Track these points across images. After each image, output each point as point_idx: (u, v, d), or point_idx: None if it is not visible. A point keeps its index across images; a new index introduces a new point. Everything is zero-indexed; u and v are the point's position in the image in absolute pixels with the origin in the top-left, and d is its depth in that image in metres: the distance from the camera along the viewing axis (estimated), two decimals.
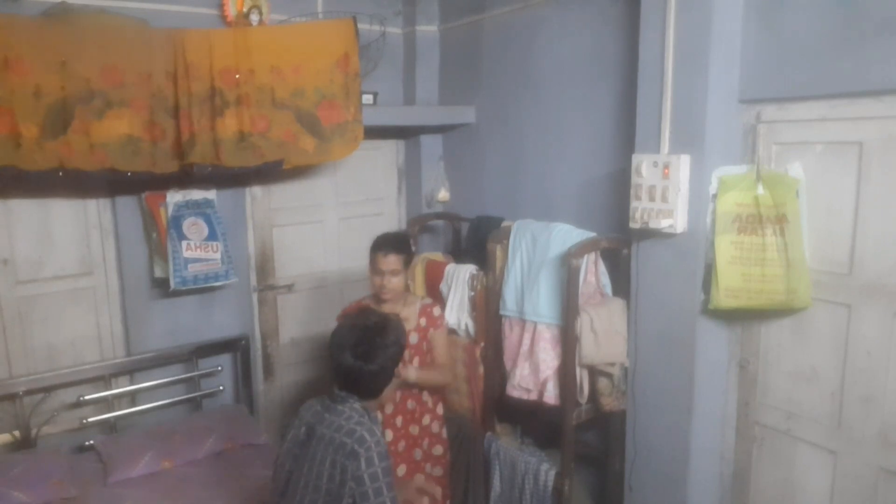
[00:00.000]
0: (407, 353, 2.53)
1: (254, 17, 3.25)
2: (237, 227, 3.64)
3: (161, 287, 3.34)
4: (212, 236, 3.27)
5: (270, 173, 3.43)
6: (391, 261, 2.62)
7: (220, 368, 3.58)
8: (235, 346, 3.61)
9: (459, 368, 3.21)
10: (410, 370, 2.62)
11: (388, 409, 2.74)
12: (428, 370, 2.74)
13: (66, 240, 3.21)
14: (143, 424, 3.33)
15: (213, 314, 3.58)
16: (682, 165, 2.39)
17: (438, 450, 2.91)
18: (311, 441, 1.81)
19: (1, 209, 3.03)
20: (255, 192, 3.74)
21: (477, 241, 3.40)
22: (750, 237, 2.27)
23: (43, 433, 3.12)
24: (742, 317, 2.49)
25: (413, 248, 2.74)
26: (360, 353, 1.85)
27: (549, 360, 2.85)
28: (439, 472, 2.92)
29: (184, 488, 2.87)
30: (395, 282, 2.63)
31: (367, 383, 1.88)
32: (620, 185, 2.78)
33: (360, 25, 3.26)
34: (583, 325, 2.66)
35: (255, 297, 3.82)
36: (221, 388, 3.60)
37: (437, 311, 2.84)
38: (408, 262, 2.70)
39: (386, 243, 2.66)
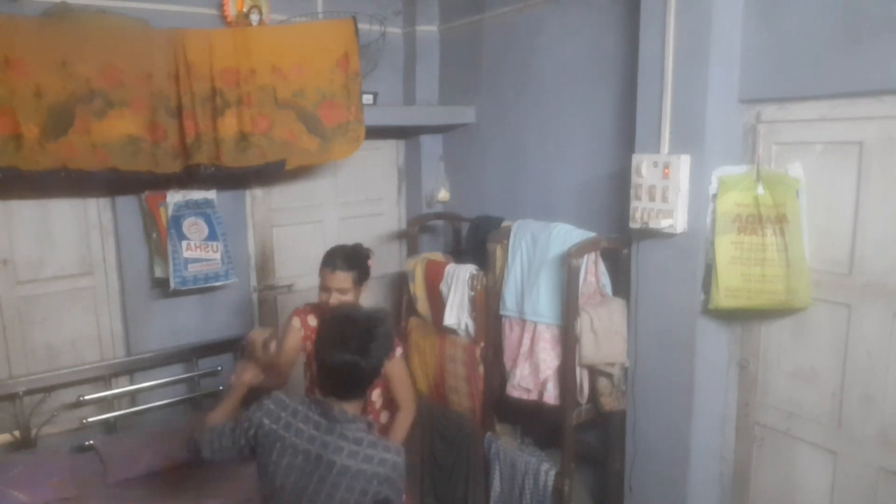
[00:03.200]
0: None
1: (254, 17, 3.25)
2: (237, 227, 3.64)
3: (161, 287, 3.34)
4: (212, 236, 3.27)
5: (271, 173, 3.44)
6: (339, 278, 2.36)
7: (220, 368, 3.58)
8: (235, 346, 3.61)
9: (458, 366, 3.22)
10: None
11: None
12: (397, 428, 2.53)
13: (66, 240, 3.21)
14: (143, 424, 3.33)
15: (213, 314, 3.58)
16: (682, 165, 2.39)
17: None
18: (331, 471, 1.72)
19: (1, 209, 3.03)
20: (256, 192, 3.74)
21: (477, 241, 3.40)
22: (750, 237, 2.27)
23: (43, 433, 3.12)
24: (742, 317, 2.49)
25: (370, 264, 2.49)
26: (355, 347, 1.75)
27: (549, 360, 2.85)
28: None
29: (184, 488, 2.87)
30: (342, 300, 2.37)
31: (361, 380, 1.80)
32: (620, 185, 2.78)
33: (360, 25, 3.26)
34: (583, 325, 2.66)
35: (255, 297, 3.82)
36: (221, 388, 3.59)
37: (397, 352, 2.53)
38: (360, 280, 2.42)
39: (335, 258, 2.39)
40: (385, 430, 2.59)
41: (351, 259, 2.42)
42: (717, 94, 2.34)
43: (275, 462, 1.79)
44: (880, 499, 2.19)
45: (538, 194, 3.39)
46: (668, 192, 2.43)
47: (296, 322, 2.60)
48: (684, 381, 2.52)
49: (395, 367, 2.52)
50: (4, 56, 2.53)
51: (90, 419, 3.20)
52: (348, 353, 1.75)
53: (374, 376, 1.84)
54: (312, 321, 2.62)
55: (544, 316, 2.85)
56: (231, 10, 3.27)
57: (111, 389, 3.27)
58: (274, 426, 1.80)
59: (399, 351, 2.58)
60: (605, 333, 2.67)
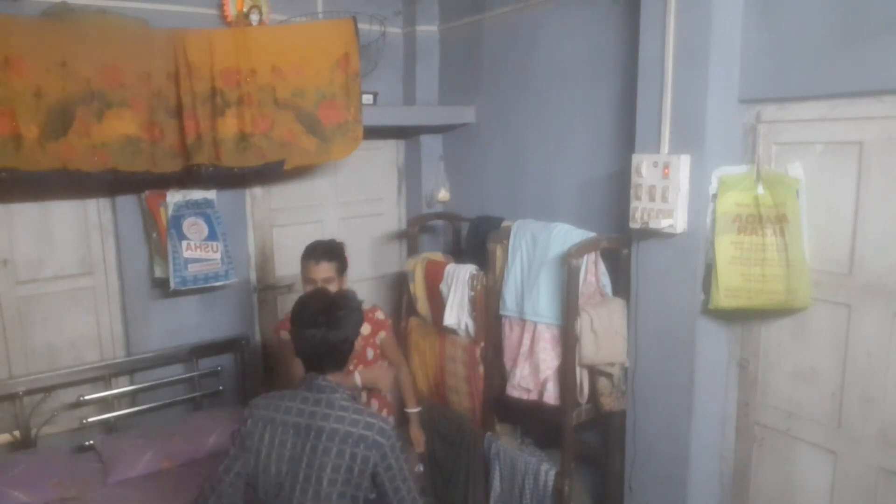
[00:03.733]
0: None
1: (254, 17, 3.25)
2: (237, 227, 3.64)
3: (161, 287, 3.34)
4: (212, 236, 3.26)
5: (271, 173, 3.43)
6: (323, 269, 2.52)
7: (220, 368, 3.58)
8: (235, 346, 3.61)
9: (458, 366, 3.23)
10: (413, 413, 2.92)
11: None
12: (404, 382, 2.94)
13: (66, 240, 3.21)
14: (143, 424, 3.32)
15: (213, 314, 3.58)
16: (682, 165, 2.39)
17: None
18: (320, 437, 1.81)
19: (1, 209, 3.03)
20: (255, 192, 3.74)
21: (477, 241, 3.40)
22: (750, 237, 2.27)
23: (43, 433, 3.12)
24: (742, 317, 2.49)
25: (347, 258, 2.67)
26: (325, 322, 1.87)
27: (549, 360, 2.85)
28: None
29: (184, 488, 2.87)
30: (330, 290, 2.51)
31: (335, 352, 1.91)
32: (620, 185, 2.78)
33: (360, 25, 3.26)
34: (583, 325, 2.66)
35: (255, 297, 3.82)
36: (221, 388, 3.60)
37: (380, 314, 2.82)
38: (341, 271, 2.61)
39: (316, 251, 2.56)
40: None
41: (331, 251, 2.58)
42: (717, 94, 2.34)
43: (267, 446, 1.85)
44: (880, 499, 2.19)
45: (538, 194, 3.39)
46: (668, 192, 2.43)
47: (284, 335, 2.63)
48: (684, 381, 2.52)
49: (388, 341, 2.83)
50: (5, 56, 2.53)
51: (90, 419, 3.20)
52: (316, 327, 1.87)
53: (345, 347, 1.94)
54: None
55: (544, 316, 2.85)
56: (231, 10, 3.27)
57: (111, 389, 3.27)
58: (263, 412, 1.89)
59: (389, 322, 2.87)
60: (605, 333, 2.67)
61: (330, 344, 1.88)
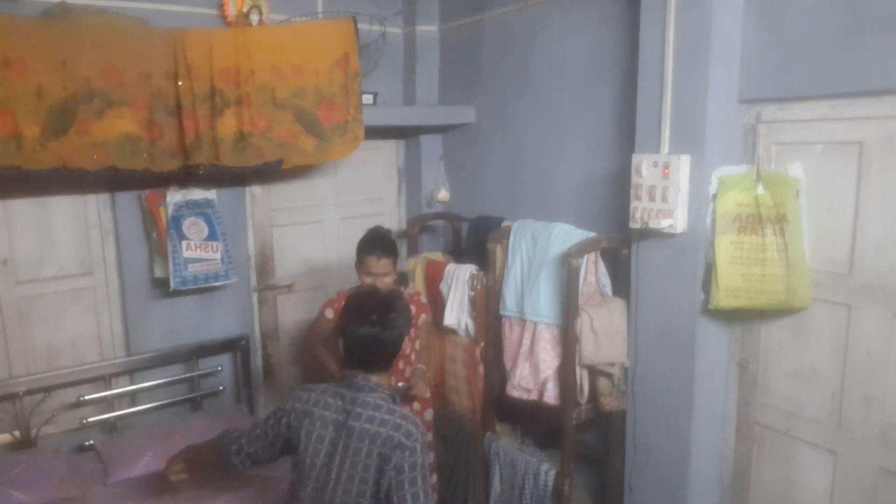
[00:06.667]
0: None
1: (254, 17, 3.25)
2: (237, 227, 3.64)
3: (161, 287, 3.34)
4: (212, 236, 3.26)
5: (270, 173, 3.44)
6: (383, 265, 2.68)
7: (220, 368, 3.58)
8: (235, 346, 3.61)
9: (458, 366, 3.22)
10: (421, 386, 2.77)
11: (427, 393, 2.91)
12: (420, 371, 2.89)
13: (66, 240, 3.21)
14: (143, 424, 3.32)
15: (213, 314, 3.58)
16: (682, 165, 2.39)
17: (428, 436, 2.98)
18: (351, 436, 1.82)
19: (1, 209, 3.03)
20: (255, 192, 3.74)
21: (477, 241, 3.40)
22: (750, 237, 2.28)
23: (43, 433, 3.12)
24: (742, 317, 2.49)
25: (397, 246, 2.85)
26: (379, 320, 1.89)
27: (549, 360, 2.85)
28: (430, 457, 2.98)
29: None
30: (386, 281, 2.69)
31: (385, 352, 1.94)
32: (620, 185, 2.78)
33: (360, 25, 3.26)
34: (583, 325, 2.66)
35: (255, 297, 3.82)
36: (221, 388, 3.60)
37: (423, 298, 3.13)
38: (396, 263, 2.76)
39: (377, 247, 2.70)
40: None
41: (390, 246, 2.74)
42: (717, 94, 2.34)
43: (305, 437, 1.88)
44: (880, 499, 2.19)
45: (538, 194, 3.39)
46: (668, 192, 2.43)
47: (328, 313, 2.82)
48: (684, 381, 2.52)
49: (427, 323, 3.05)
50: (5, 56, 2.53)
51: (90, 419, 3.20)
52: (371, 325, 1.88)
53: (396, 347, 1.96)
54: None
55: (544, 316, 2.85)
56: (231, 10, 3.27)
57: (111, 389, 3.27)
58: (305, 406, 1.92)
59: (428, 306, 3.11)
60: (605, 333, 2.67)
61: (383, 344, 1.91)
